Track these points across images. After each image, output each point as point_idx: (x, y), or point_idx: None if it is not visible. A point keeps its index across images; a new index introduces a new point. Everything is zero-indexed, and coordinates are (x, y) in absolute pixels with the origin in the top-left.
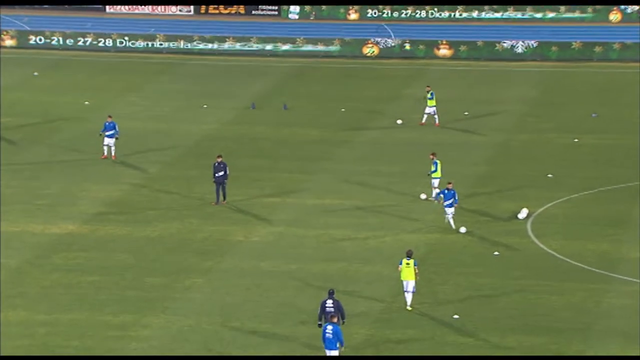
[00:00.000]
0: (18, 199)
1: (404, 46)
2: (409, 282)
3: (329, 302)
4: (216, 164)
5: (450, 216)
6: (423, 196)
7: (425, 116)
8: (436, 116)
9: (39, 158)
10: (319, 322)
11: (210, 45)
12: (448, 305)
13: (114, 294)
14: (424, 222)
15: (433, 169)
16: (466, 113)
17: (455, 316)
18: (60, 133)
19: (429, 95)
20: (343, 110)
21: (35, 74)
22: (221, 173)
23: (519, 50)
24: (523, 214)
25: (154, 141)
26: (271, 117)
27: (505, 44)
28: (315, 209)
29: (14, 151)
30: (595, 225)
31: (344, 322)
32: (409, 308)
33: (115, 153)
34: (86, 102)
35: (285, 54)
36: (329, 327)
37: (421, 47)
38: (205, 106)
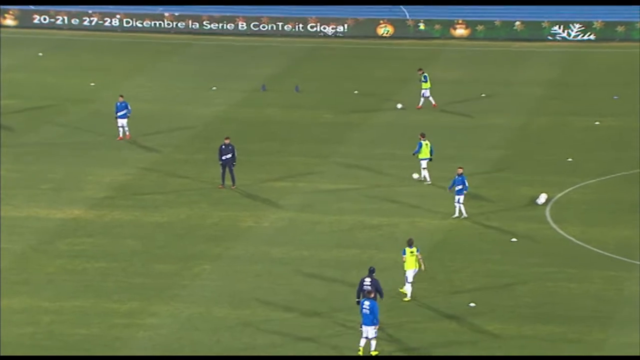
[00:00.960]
0: (22, 183)
1: (419, 26)
2: (414, 270)
3: (367, 280)
4: (223, 146)
5: (459, 203)
6: (415, 176)
7: (422, 100)
8: (431, 98)
9: (43, 141)
10: (357, 299)
11: (219, 25)
12: (464, 293)
13: (121, 281)
14: (440, 207)
15: (416, 149)
16: (483, 95)
17: (472, 304)
18: (66, 115)
19: (422, 78)
20: (356, 92)
21: (40, 54)
22: (229, 155)
23: (538, 30)
24: (542, 199)
25: (161, 124)
26: (282, 99)
27: (523, 24)
28: (328, 194)
29: (18, 134)
30: (617, 211)
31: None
32: (406, 299)
33: (129, 132)
34: (92, 84)
35: (297, 34)
36: (366, 303)
37: (437, 27)
38: (214, 88)
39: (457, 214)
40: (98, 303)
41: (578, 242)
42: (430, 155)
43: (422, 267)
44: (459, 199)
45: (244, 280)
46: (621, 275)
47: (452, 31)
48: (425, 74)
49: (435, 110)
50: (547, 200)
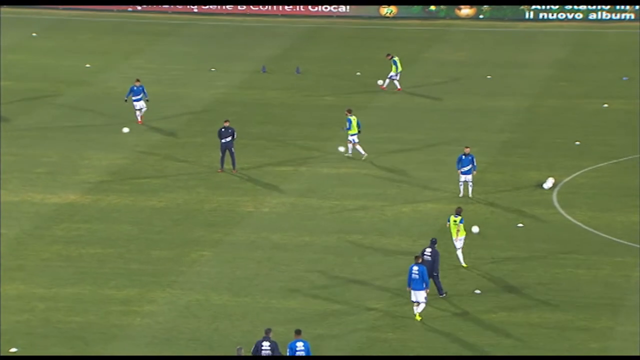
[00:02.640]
0: (16, 167)
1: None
2: (459, 239)
3: (428, 250)
4: (222, 129)
5: (470, 184)
6: (341, 149)
7: (397, 82)
8: (396, 82)
9: (38, 124)
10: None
11: (218, 5)
12: (469, 280)
13: (118, 267)
14: (444, 191)
15: (347, 125)
16: (489, 77)
17: (477, 291)
18: (61, 97)
19: (392, 63)
20: (359, 74)
21: (34, 34)
22: (228, 139)
23: (545, 9)
24: (549, 183)
25: (159, 106)
26: (283, 81)
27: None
28: (329, 178)
29: (12, 116)
30: (625, 196)
31: (437, 274)
32: (464, 264)
33: (143, 115)
34: (87, 65)
35: (298, 14)
36: (415, 268)
37: (442, 6)
38: (213, 69)
39: (462, 193)
40: (94, 290)
41: (586, 227)
42: (358, 129)
43: (467, 232)
44: (465, 179)
45: (243, 267)
46: (630, 261)
47: (457, 11)
48: (395, 59)
49: (439, 92)
50: (555, 185)
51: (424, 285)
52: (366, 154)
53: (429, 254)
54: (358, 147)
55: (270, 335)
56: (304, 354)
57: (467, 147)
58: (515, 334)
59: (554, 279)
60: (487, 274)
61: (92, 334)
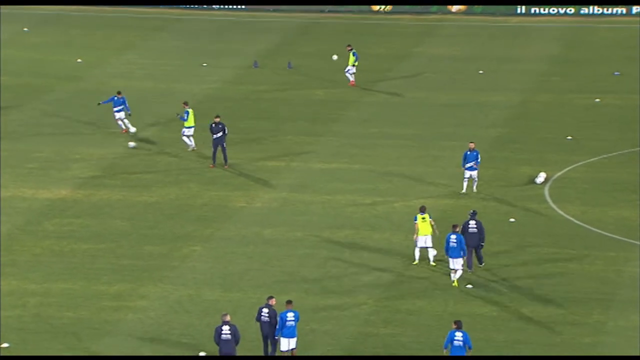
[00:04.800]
0: (7, 162)
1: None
2: (427, 237)
3: (472, 223)
4: (213, 124)
5: (475, 180)
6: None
7: (350, 76)
8: (350, 75)
9: (29, 119)
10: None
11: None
12: (461, 275)
13: (110, 262)
14: (436, 187)
15: (185, 116)
16: (481, 72)
17: (469, 286)
18: (52, 93)
19: (351, 55)
20: None
21: (26, 29)
22: (219, 134)
23: (537, 5)
24: (541, 178)
25: (151, 101)
26: (275, 76)
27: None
28: (321, 174)
29: (3, 112)
30: (617, 191)
31: (482, 245)
32: (432, 264)
33: (125, 127)
34: (79, 60)
35: (290, 9)
36: (453, 237)
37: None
38: (205, 65)
39: (464, 190)
40: (86, 285)
41: (578, 222)
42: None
43: (436, 232)
44: (471, 175)
45: (235, 262)
46: (621, 255)
47: (449, 6)
48: (354, 51)
49: (431, 87)
50: (547, 180)
51: (462, 253)
52: (195, 147)
53: (474, 226)
54: (191, 139)
55: (272, 302)
56: (293, 324)
57: (471, 143)
58: (507, 328)
59: (545, 274)
60: (478, 268)
61: (84, 329)
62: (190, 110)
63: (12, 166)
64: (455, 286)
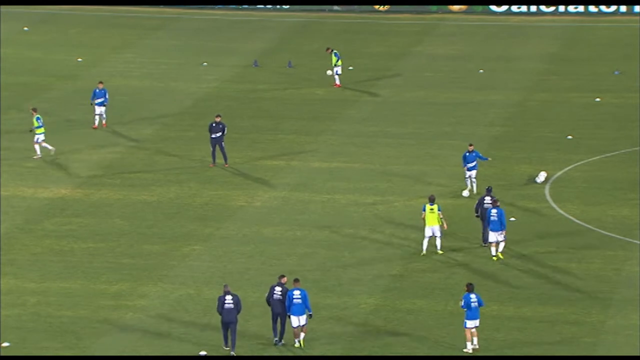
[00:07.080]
0: (7, 161)
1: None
2: (434, 227)
3: (487, 199)
4: (213, 124)
5: (474, 180)
6: (41, 153)
7: (337, 77)
8: (336, 76)
9: (28, 118)
10: (476, 214)
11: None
12: (461, 274)
13: (109, 261)
14: (436, 186)
15: (36, 124)
16: (481, 71)
17: None
18: (52, 92)
19: (333, 56)
20: (351, 68)
21: (26, 29)
22: (218, 134)
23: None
24: (541, 177)
25: (150, 100)
26: (274, 75)
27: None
28: (321, 173)
29: (2, 110)
30: (617, 190)
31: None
32: (440, 252)
33: (105, 121)
34: (79, 59)
35: (290, 8)
36: (494, 211)
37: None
38: (204, 64)
39: (470, 188)
40: (85, 284)
41: (577, 221)
42: None
43: (445, 225)
44: (471, 175)
45: (235, 261)
46: (621, 254)
47: (449, 5)
48: (336, 52)
49: (430, 86)
50: (547, 179)
51: (501, 227)
52: (54, 149)
53: (489, 202)
54: (45, 144)
55: (284, 281)
56: (300, 302)
57: (470, 145)
58: (506, 327)
59: (545, 273)
60: (478, 267)
61: (83, 328)
62: (40, 116)
63: (11, 165)
64: (495, 260)
